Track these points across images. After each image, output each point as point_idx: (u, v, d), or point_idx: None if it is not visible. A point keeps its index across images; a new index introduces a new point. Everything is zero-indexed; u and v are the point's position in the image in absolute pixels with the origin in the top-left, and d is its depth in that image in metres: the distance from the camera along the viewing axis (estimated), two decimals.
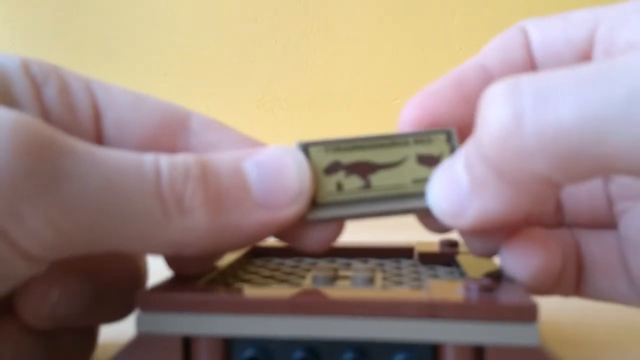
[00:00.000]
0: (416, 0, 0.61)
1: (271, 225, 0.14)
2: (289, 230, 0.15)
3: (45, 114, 0.15)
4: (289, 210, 0.14)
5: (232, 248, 0.15)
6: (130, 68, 0.64)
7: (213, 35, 0.64)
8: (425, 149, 0.16)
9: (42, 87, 0.15)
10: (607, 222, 0.17)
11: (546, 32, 0.16)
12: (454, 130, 0.16)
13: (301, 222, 0.15)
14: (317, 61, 0.63)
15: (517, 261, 0.14)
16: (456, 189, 0.14)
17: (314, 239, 0.15)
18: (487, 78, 0.16)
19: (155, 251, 0.14)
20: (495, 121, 0.12)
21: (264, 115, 0.64)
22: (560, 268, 0.15)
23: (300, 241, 0.15)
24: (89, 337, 0.17)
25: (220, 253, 0.16)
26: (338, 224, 0.15)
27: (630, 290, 0.16)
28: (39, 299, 0.14)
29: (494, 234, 0.15)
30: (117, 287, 0.16)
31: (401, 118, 0.16)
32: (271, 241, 0.21)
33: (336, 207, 0.15)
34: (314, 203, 0.15)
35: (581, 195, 0.17)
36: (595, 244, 0.17)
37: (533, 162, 0.11)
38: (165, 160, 0.13)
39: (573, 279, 0.16)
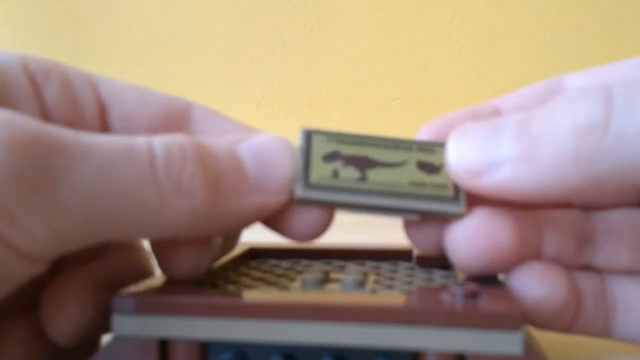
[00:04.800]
0: (416, 0, 0.61)
1: (264, 209, 0.14)
2: (277, 216, 0.15)
3: (46, 112, 0.15)
4: (282, 196, 0.14)
5: (226, 231, 0.14)
6: (131, 68, 0.64)
7: (213, 35, 0.64)
8: (426, 157, 0.16)
9: (42, 85, 0.15)
10: None
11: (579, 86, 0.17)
12: None
13: (289, 207, 0.15)
14: (317, 61, 0.63)
15: (516, 294, 0.15)
16: (492, 148, 0.14)
17: (301, 224, 0.15)
18: (497, 116, 0.17)
19: (151, 236, 0.13)
20: (584, 114, 0.13)
21: (264, 115, 0.64)
22: (564, 302, 0.15)
23: (288, 227, 0.15)
24: (94, 341, 0.17)
25: (214, 255, 0.16)
26: (327, 211, 0.15)
27: None
28: (75, 318, 0.14)
29: (493, 263, 0.15)
30: None
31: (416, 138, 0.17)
32: (268, 242, 0.21)
33: (327, 191, 0.15)
34: (307, 183, 0.15)
35: (621, 247, 0.16)
36: (630, 288, 0.16)
37: (603, 160, 0.12)
38: (159, 143, 0.13)
39: (600, 321, 0.16)
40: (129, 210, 0.12)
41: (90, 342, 0.17)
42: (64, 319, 0.14)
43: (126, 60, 0.65)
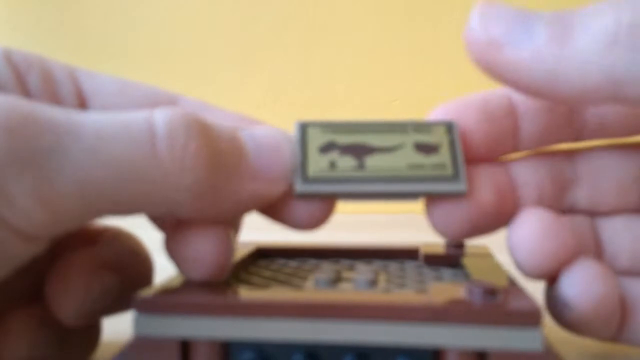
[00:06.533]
0: (415, 2, 0.61)
1: (264, 196, 0.14)
2: (278, 205, 0.15)
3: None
4: (281, 185, 0.14)
5: (226, 215, 0.14)
6: (131, 69, 0.64)
7: (213, 35, 0.64)
8: (423, 138, 0.15)
9: (25, 76, 0.15)
10: None
11: None
12: (455, 123, 0.16)
13: (289, 198, 0.15)
14: (317, 61, 0.63)
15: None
16: (523, 21, 0.13)
17: (302, 215, 0.15)
18: (509, 105, 0.17)
19: (150, 211, 0.13)
20: (632, 13, 0.12)
21: (264, 115, 0.64)
22: (569, 253, 0.14)
23: (289, 218, 0.15)
24: (94, 331, 0.17)
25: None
26: (328, 202, 0.15)
27: None
28: (81, 295, 0.14)
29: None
30: (136, 282, 0.16)
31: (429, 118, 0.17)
32: (274, 242, 0.21)
33: (326, 183, 0.15)
34: (305, 178, 0.15)
35: (623, 241, 0.16)
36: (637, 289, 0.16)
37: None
38: (161, 118, 0.13)
39: (614, 324, 0.15)
40: (128, 187, 0.12)
41: (91, 330, 0.17)
42: (69, 297, 0.14)
43: (126, 61, 0.65)
